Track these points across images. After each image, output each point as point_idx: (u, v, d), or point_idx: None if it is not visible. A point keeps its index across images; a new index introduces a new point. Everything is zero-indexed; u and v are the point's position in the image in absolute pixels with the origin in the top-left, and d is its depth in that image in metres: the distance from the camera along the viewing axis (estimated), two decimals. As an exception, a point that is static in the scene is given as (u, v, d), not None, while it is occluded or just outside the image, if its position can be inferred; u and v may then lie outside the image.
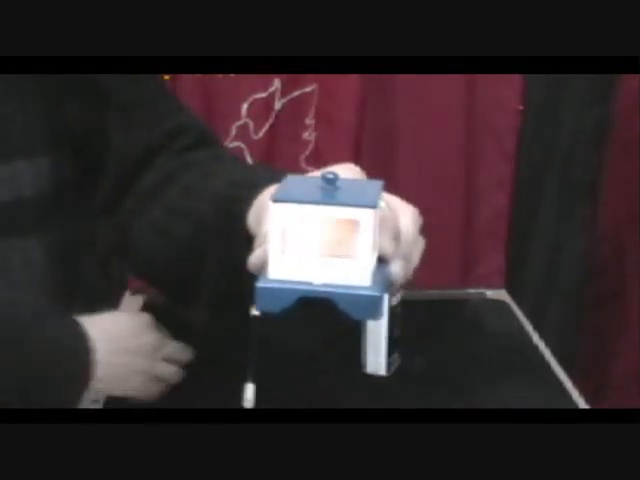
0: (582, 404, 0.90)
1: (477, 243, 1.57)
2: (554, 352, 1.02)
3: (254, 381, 0.91)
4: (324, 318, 1.06)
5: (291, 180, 0.64)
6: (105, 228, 0.84)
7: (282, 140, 1.47)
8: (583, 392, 0.93)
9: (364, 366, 0.96)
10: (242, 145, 1.45)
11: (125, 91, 0.83)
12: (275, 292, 0.60)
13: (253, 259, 0.64)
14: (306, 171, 1.49)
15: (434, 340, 1.05)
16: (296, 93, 1.45)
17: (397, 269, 0.66)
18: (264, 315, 0.67)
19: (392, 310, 0.94)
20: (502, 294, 1.19)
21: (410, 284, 0.67)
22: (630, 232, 1.57)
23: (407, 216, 0.73)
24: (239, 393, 0.89)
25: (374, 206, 0.61)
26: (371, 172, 1.51)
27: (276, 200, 0.59)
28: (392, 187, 1.52)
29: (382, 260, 0.63)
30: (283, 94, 1.44)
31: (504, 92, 1.50)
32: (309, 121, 1.47)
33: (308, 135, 1.47)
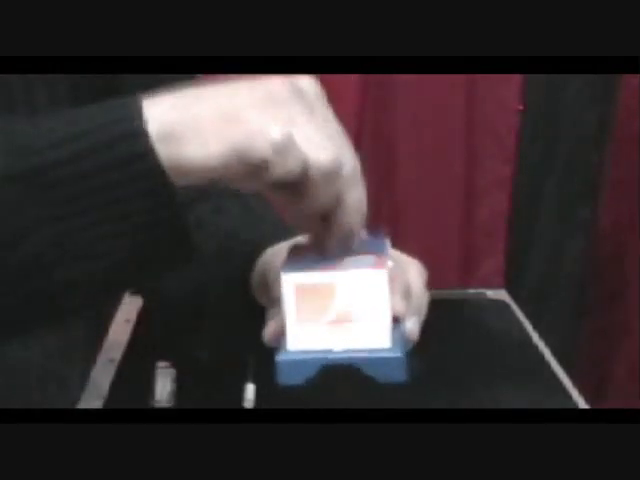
0: (582, 404, 0.90)
1: (477, 243, 1.57)
2: (554, 352, 1.02)
3: (254, 381, 0.91)
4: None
5: (297, 247, 0.61)
6: None
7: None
8: (583, 392, 0.93)
9: (364, 366, 0.96)
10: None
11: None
12: (297, 364, 0.59)
13: (268, 333, 0.62)
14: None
15: (434, 340, 1.04)
16: (296, 93, 1.45)
17: (412, 326, 0.66)
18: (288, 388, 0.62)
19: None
20: (502, 294, 1.19)
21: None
22: (630, 232, 1.57)
23: (414, 271, 0.71)
24: (239, 393, 0.90)
25: (384, 267, 0.59)
26: (371, 172, 1.51)
27: (286, 270, 0.56)
28: (392, 187, 1.53)
29: (395, 319, 0.61)
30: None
31: (504, 92, 1.50)
32: (309, 121, 1.47)
33: (308, 135, 1.47)
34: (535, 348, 1.03)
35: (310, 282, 0.56)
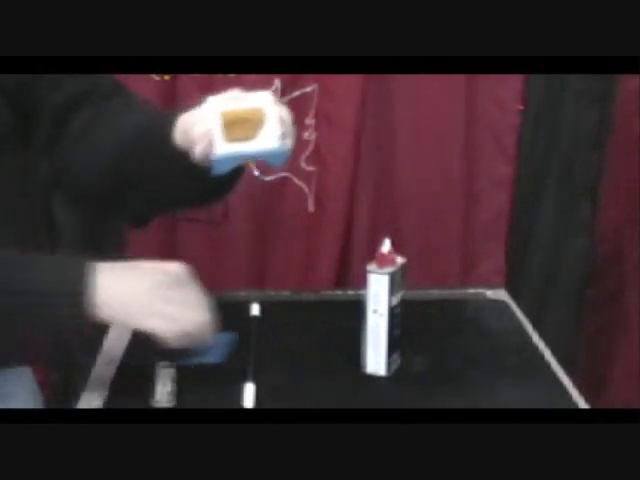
0: (582, 404, 0.90)
1: (477, 243, 1.57)
2: (554, 352, 1.02)
3: (254, 381, 0.91)
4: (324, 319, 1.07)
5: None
6: (44, 164, 0.96)
7: (282, 140, 1.47)
8: (583, 392, 0.93)
9: (364, 366, 0.96)
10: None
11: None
12: (225, 158, 0.85)
13: (199, 151, 0.85)
14: (306, 171, 1.50)
15: (434, 340, 1.05)
16: (296, 93, 1.45)
17: (288, 141, 0.87)
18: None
19: (392, 310, 0.94)
20: (502, 294, 1.19)
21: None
22: (630, 232, 1.57)
23: (281, 106, 0.89)
24: (239, 393, 0.90)
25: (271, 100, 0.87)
26: (371, 172, 1.51)
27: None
28: (392, 187, 1.53)
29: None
30: (283, 94, 1.44)
31: (504, 92, 1.50)
32: (309, 121, 1.47)
33: (308, 135, 1.47)
34: (535, 348, 1.03)
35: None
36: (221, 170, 0.87)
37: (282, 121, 0.86)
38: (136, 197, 0.94)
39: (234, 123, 0.86)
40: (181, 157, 0.88)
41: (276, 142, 0.85)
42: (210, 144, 0.85)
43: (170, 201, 0.98)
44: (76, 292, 0.81)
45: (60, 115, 0.95)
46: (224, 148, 0.85)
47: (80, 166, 0.95)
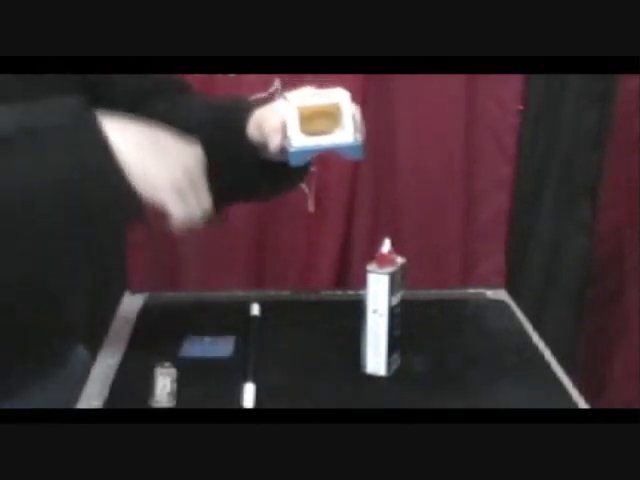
0: (582, 404, 0.90)
1: (477, 243, 1.57)
2: (554, 352, 1.02)
3: (254, 381, 0.91)
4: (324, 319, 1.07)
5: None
6: None
7: (282, 140, 1.47)
8: (583, 392, 0.93)
9: (364, 366, 0.96)
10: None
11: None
12: (301, 151, 0.88)
13: (275, 144, 0.88)
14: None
15: (434, 340, 1.05)
16: (296, 93, 1.45)
17: (360, 134, 0.90)
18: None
19: (392, 310, 0.94)
20: (502, 294, 1.19)
21: None
22: (630, 232, 1.57)
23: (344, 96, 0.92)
24: (239, 393, 0.90)
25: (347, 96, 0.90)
26: (371, 172, 1.51)
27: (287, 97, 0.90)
28: (392, 186, 1.53)
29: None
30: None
31: (504, 92, 1.50)
32: (309, 121, 1.46)
33: (308, 135, 1.47)
34: (535, 348, 1.03)
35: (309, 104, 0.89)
36: (297, 162, 0.89)
37: (354, 117, 0.89)
38: (209, 187, 0.91)
39: (311, 117, 0.88)
40: (255, 150, 0.90)
41: (351, 136, 0.88)
42: (285, 137, 0.87)
43: (242, 192, 0.99)
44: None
45: (136, 102, 0.94)
46: (301, 141, 0.88)
47: None
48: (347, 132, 0.88)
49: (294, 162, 0.89)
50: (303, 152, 0.89)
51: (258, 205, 1.48)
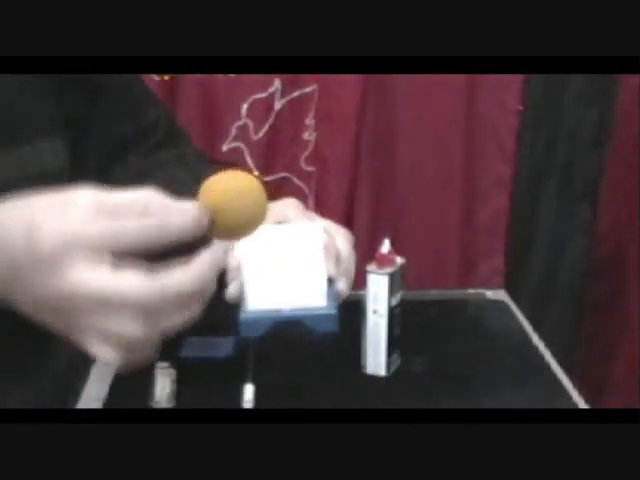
0: (582, 404, 0.90)
1: (477, 243, 1.57)
2: (554, 352, 1.02)
3: (254, 381, 0.91)
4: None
5: None
6: None
7: (282, 140, 1.47)
8: (583, 392, 0.93)
9: (364, 366, 0.96)
10: (242, 145, 1.45)
11: (114, 80, 0.89)
12: (256, 320, 0.75)
13: (231, 293, 0.78)
14: (306, 171, 1.50)
15: (434, 340, 1.05)
16: (296, 93, 1.45)
17: (343, 286, 0.79)
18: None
19: (392, 310, 0.94)
20: (502, 294, 1.19)
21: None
22: (630, 232, 1.57)
23: (342, 238, 0.82)
24: (239, 393, 0.90)
25: (320, 241, 0.74)
26: (371, 172, 1.51)
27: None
28: (392, 187, 1.53)
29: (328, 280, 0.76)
30: (283, 94, 1.44)
31: (504, 92, 1.50)
32: (309, 121, 1.47)
33: (308, 135, 1.47)
34: (535, 348, 1.02)
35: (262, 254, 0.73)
36: (249, 332, 0.75)
37: (337, 258, 0.75)
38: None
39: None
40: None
41: (324, 300, 0.71)
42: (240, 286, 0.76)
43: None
44: None
45: (105, 160, 0.87)
46: (255, 304, 0.74)
47: None
48: (314, 293, 0.71)
49: (245, 332, 0.76)
50: (256, 322, 0.74)
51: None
